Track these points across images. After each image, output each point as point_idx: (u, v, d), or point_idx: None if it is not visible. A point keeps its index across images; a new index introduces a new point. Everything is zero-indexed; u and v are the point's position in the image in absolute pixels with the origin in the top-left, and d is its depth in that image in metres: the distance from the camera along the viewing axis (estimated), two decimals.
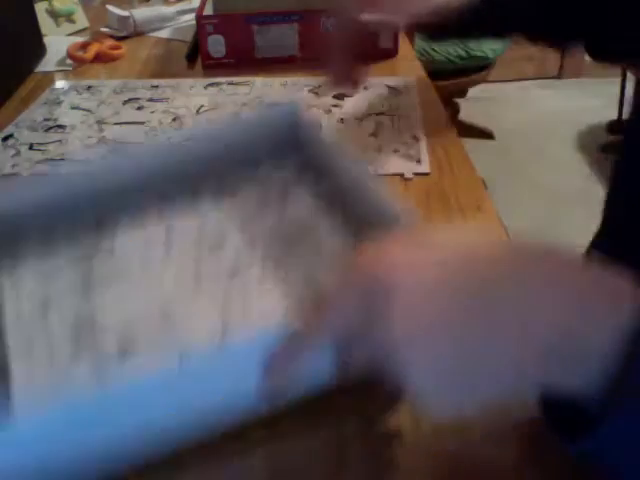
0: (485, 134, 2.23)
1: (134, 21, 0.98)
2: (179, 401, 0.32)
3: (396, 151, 0.64)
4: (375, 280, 0.28)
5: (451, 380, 0.27)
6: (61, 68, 0.89)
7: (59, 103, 0.79)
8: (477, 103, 2.46)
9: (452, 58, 1.75)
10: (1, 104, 0.78)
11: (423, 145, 0.65)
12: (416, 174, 0.60)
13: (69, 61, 0.90)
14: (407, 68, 0.85)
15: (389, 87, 0.78)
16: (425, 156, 0.63)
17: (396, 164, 0.62)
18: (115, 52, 0.92)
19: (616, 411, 0.24)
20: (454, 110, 2.14)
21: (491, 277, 0.26)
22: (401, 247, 0.29)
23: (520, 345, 0.25)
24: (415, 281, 0.27)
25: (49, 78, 0.86)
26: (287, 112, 0.55)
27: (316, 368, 0.30)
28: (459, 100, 2.17)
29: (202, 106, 0.75)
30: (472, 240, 0.29)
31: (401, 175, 0.60)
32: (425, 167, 0.62)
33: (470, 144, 2.12)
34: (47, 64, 0.90)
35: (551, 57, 2.72)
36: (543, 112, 2.48)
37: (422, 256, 0.28)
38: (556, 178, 1.98)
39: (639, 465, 0.26)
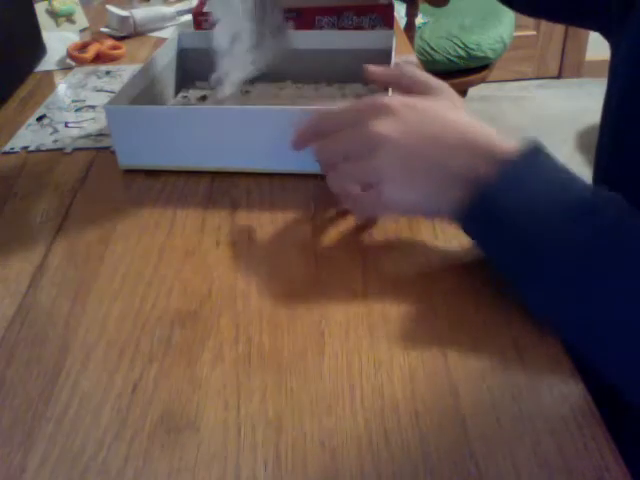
0: None
1: (134, 21, 0.98)
2: None
3: None
4: (376, 102, 0.46)
5: (408, 174, 0.44)
6: (61, 68, 0.89)
7: (83, 86, 0.83)
8: (477, 103, 2.46)
9: (452, 58, 1.75)
10: (1, 104, 0.78)
11: None
12: None
13: (69, 61, 0.90)
14: None
15: None
16: None
17: None
18: (115, 52, 0.91)
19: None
20: None
21: (441, 131, 0.44)
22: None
23: (445, 171, 0.44)
24: (403, 109, 0.45)
25: (49, 78, 0.86)
26: None
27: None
28: None
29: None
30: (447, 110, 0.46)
31: None
32: None
33: None
34: (47, 64, 0.90)
35: (551, 57, 2.72)
36: (543, 112, 2.48)
37: (413, 102, 0.46)
38: None
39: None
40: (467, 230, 0.45)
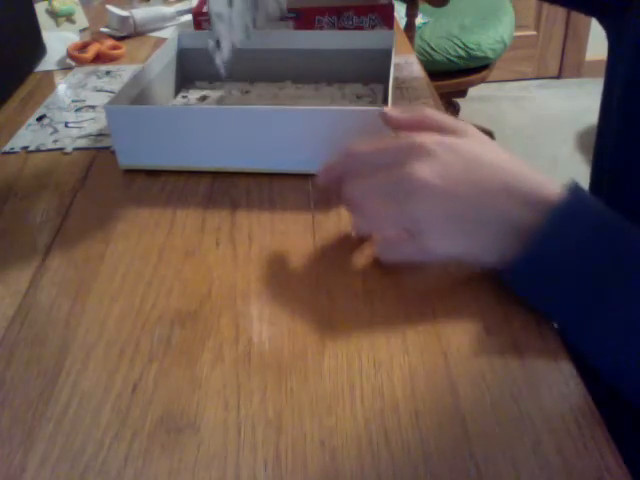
0: (485, 134, 2.22)
1: (134, 21, 0.98)
2: None
3: None
4: (413, 141, 0.42)
5: (449, 223, 0.41)
6: (61, 68, 0.89)
7: (83, 86, 0.83)
8: (477, 103, 2.46)
9: (452, 58, 1.75)
10: (1, 104, 0.78)
11: None
12: None
13: (69, 61, 0.90)
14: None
15: None
16: None
17: None
18: (115, 52, 0.91)
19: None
20: (454, 110, 2.14)
21: (484, 176, 0.41)
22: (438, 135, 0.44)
23: (489, 220, 0.41)
24: (440, 150, 0.42)
25: (49, 78, 0.86)
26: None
27: None
28: (459, 100, 2.17)
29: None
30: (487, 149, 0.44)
31: None
32: None
33: None
34: (47, 64, 0.90)
35: (551, 57, 2.72)
36: (543, 112, 2.48)
37: (455, 143, 0.43)
38: (556, 178, 1.98)
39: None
40: (515, 280, 0.42)
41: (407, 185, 0.41)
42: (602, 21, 0.59)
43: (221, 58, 0.59)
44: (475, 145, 0.44)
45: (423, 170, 0.41)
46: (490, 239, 0.42)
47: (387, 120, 0.48)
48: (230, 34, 0.60)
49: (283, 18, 0.85)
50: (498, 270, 0.43)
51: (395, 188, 0.42)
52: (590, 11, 0.64)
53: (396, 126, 0.48)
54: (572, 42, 2.66)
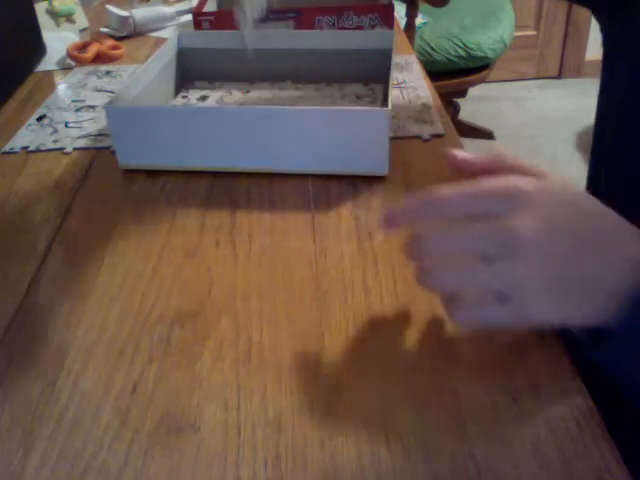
0: (485, 134, 2.23)
1: (134, 21, 0.98)
2: None
3: (410, 117, 0.70)
4: (510, 187, 0.36)
5: (554, 286, 0.35)
6: (61, 68, 0.89)
7: (83, 86, 0.83)
8: (477, 103, 2.46)
9: (452, 58, 1.74)
10: (1, 104, 0.78)
11: (434, 112, 0.71)
12: (432, 135, 0.66)
13: (69, 61, 0.90)
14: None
15: None
16: (437, 119, 0.69)
17: (413, 128, 0.68)
18: (115, 52, 0.91)
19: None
20: (454, 110, 2.14)
21: (586, 230, 0.36)
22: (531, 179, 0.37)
23: (594, 280, 0.35)
24: (541, 198, 0.36)
25: (49, 78, 0.86)
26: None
27: None
28: (459, 100, 2.17)
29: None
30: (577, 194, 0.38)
31: (419, 137, 0.66)
32: (439, 129, 0.67)
33: (470, 144, 2.12)
34: (47, 64, 0.90)
35: (551, 57, 2.72)
36: (543, 112, 2.48)
37: (553, 188, 0.38)
38: None
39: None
40: (609, 349, 0.36)
41: (511, 241, 0.35)
42: (598, 16, 0.59)
43: (246, 27, 0.60)
44: (566, 190, 0.38)
45: (527, 224, 0.35)
46: (591, 301, 0.36)
47: (458, 163, 0.41)
48: (252, 4, 0.61)
49: (283, 18, 0.85)
50: (584, 343, 0.38)
51: (494, 244, 0.35)
52: (590, 4, 0.63)
53: (471, 170, 0.40)
54: (572, 42, 2.66)
